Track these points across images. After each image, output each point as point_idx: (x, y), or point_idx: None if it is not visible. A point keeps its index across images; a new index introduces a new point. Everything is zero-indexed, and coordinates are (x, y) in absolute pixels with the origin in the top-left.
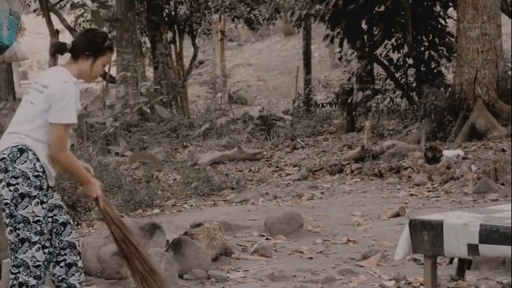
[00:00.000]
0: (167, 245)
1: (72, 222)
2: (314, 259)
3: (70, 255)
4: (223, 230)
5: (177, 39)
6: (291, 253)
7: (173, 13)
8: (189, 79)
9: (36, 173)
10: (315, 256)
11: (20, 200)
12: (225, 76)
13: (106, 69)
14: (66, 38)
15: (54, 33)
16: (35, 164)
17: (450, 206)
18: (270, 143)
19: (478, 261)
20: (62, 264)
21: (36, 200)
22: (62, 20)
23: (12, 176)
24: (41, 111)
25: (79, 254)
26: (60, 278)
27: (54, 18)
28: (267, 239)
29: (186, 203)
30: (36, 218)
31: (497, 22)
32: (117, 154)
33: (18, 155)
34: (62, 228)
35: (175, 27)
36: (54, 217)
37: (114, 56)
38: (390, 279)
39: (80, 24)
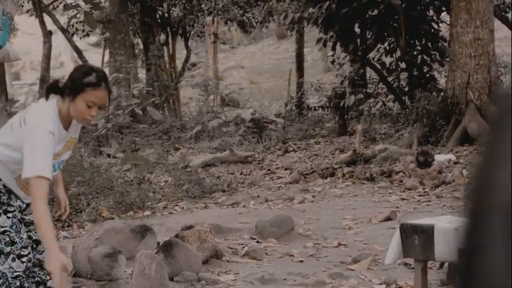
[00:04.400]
0: (158, 247)
1: None
2: (305, 262)
3: (39, 273)
4: (214, 233)
5: (170, 41)
6: (282, 256)
7: (166, 15)
8: (181, 81)
9: None
10: (306, 259)
11: None
12: (218, 78)
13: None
14: (59, 39)
15: (47, 34)
16: None
17: (441, 210)
18: (262, 145)
19: None
20: (32, 280)
21: None
22: (55, 21)
23: None
24: (15, 142)
25: (49, 273)
26: None
27: (47, 19)
28: (257, 242)
29: (177, 205)
30: (2, 229)
31: (490, 27)
32: (108, 156)
33: None
34: (34, 246)
35: (168, 29)
36: (29, 233)
37: (106, 58)
38: (381, 283)
39: (72, 26)
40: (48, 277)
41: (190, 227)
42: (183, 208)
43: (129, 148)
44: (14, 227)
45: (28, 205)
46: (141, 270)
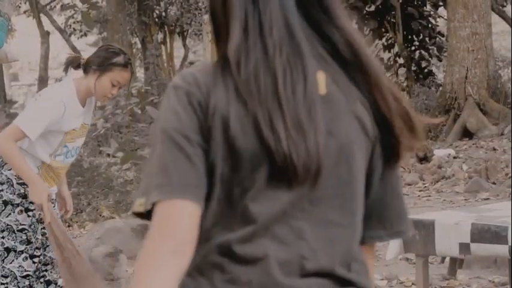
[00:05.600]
0: None
1: None
2: None
3: (51, 272)
4: None
5: (168, 40)
6: None
7: (163, 14)
8: None
9: (20, 181)
10: None
11: (3, 208)
12: None
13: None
14: (57, 39)
15: (45, 34)
16: None
17: (441, 205)
18: None
19: (469, 260)
20: (42, 280)
21: (19, 208)
22: (53, 21)
23: None
24: None
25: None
26: None
27: (44, 19)
28: None
29: None
30: (20, 227)
31: (487, 21)
32: (108, 155)
33: None
34: (48, 243)
35: (166, 28)
36: (43, 230)
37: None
38: (382, 279)
39: (70, 26)
40: (59, 276)
41: None
42: None
43: (129, 147)
44: (32, 226)
45: None
46: None
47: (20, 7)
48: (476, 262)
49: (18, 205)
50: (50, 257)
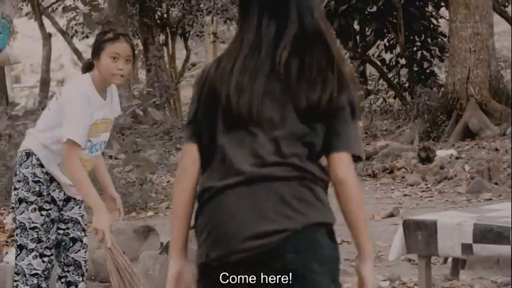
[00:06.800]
0: (161, 248)
1: (84, 241)
2: None
3: (73, 273)
4: None
5: (170, 41)
6: None
7: (165, 15)
8: (181, 81)
9: (36, 179)
10: None
11: (18, 205)
12: None
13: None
14: (59, 41)
15: (47, 36)
16: (35, 170)
17: (444, 205)
18: None
19: (472, 261)
20: (63, 280)
21: (33, 206)
22: (54, 23)
23: (17, 180)
24: (53, 118)
25: (82, 275)
26: None
27: (46, 21)
28: None
29: None
30: (32, 225)
31: (489, 21)
32: (110, 157)
33: (25, 159)
34: (71, 244)
35: (168, 30)
36: (67, 230)
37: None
38: (384, 280)
39: (72, 28)
40: (81, 278)
41: (193, 227)
42: None
43: (131, 149)
44: (44, 225)
45: (68, 199)
46: (144, 271)
47: (21, 9)
48: (478, 263)
49: (32, 203)
50: (72, 258)
